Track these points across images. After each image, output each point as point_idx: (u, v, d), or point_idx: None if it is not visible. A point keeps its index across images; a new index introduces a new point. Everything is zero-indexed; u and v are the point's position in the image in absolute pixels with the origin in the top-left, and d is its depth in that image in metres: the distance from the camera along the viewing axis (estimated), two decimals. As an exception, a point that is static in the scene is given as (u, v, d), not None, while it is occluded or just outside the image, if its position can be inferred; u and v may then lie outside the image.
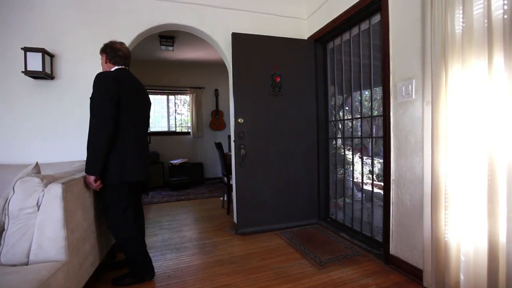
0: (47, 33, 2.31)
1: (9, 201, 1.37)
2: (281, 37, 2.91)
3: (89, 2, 2.42)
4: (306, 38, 3.08)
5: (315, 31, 2.94)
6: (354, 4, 2.32)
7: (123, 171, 1.75)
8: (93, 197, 1.86)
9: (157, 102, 6.03)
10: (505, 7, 1.23)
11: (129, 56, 1.94)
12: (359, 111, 2.68)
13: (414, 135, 1.85)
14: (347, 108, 2.93)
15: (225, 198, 3.76)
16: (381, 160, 2.29)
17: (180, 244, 2.61)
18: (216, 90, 6.22)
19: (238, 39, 2.73)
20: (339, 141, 2.97)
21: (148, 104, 2.05)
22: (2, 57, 2.23)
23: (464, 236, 1.47)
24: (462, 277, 1.48)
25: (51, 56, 2.29)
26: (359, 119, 2.68)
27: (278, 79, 2.88)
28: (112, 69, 1.84)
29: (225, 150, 4.52)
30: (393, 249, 2.05)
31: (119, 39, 1.97)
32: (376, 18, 2.31)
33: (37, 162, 1.61)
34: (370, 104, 2.53)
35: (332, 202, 3.12)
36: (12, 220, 1.36)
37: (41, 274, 1.22)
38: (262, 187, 2.84)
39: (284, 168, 2.93)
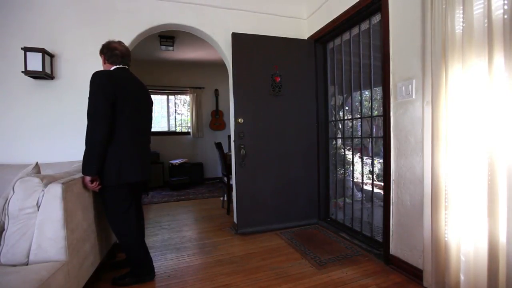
0: (47, 33, 2.31)
1: (9, 201, 1.37)
2: (281, 37, 2.91)
3: (89, 2, 2.42)
4: (306, 38, 3.08)
5: (315, 31, 2.94)
6: (354, 4, 2.32)
7: (121, 171, 1.73)
8: (93, 197, 1.85)
9: (157, 102, 6.02)
10: (505, 7, 1.23)
11: (127, 55, 1.91)
12: (359, 111, 2.68)
13: (414, 135, 1.85)
14: (347, 108, 2.93)
15: (225, 198, 3.76)
16: (381, 160, 2.29)
17: (180, 244, 2.61)
18: (216, 90, 6.22)
19: (238, 39, 2.73)
20: (339, 141, 2.97)
21: (149, 103, 2.02)
22: (2, 57, 2.23)
23: (464, 236, 1.47)
24: (462, 277, 1.48)
25: (51, 56, 2.29)
26: (359, 119, 2.68)
27: (278, 79, 2.88)
28: (111, 69, 1.84)
29: (225, 150, 4.52)
30: (393, 249, 2.04)
31: (118, 39, 1.97)
32: (376, 18, 2.31)
33: (37, 162, 1.61)
34: (370, 104, 2.53)
35: (332, 202, 3.12)
36: (12, 220, 1.36)
37: (41, 274, 1.22)
38: (262, 187, 2.84)
39: (284, 168, 2.92)
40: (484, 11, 1.33)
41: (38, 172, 1.56)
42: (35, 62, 2.15)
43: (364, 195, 2.67)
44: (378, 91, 2.57)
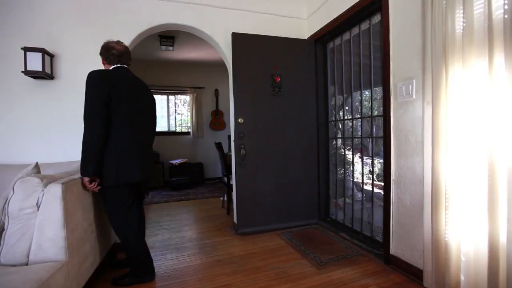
0: (47, 33, 2.31)
1: (9, 201, 1.37)
2: (281, 37, 2.91)
3: (89, 2, 2.41)
4: (306, 38, 3.08)
5: (315, 31, 2.94)
6: (354, 4, 2.32)
7: (119, 172, 1.72)
8: (93, 197, 1.85)
9: (157, 102, 5.88)
10: (506, 6, 1.23)
11: (125, 53, 1.88)
12: (359, 111, 2.68)
13: (415, 135, 1.85)
14: (347, 108, 2.93)
15: (225, 198, 3.76)
16: (381, 160, 2.29)
17: (180, 244, 2.61)
18: (216, 90, 6.22)
19: (238, 39, 2.73)
20: (339, 141, 2.97)
21: (150, 102, 2.00)
22: (2, 57, 2.23)
23: (464, 236, 1.47)
24: (462, 277, 1.48)
25: (51, 56, 2.29)
26: (359, 119, 2.67)
27: (278, 79, 2.88)
28: (109, 69, 1.84)
29: (225, 150, 4.52)
30: (393, 249, 2.04)
31: (118, 39, 1.96)
32: (376, 18, 2.31)
33: (37, 162, 1.61)
34: (370, 104, 2.53)
35: (332, 202, 3.11)
36: (12, 220, 1.36)
37: (41, 274, 1.22)
38: (262, 187, 2.84)
39: (284, 168, 2.92)
40: (485, 11, 1.33)
41: (38, 172, 1.56)
42: (35, 62, 2.15)
43: (364, 195, 2.67)
44: (378, 91, 2.56)
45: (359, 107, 2.68)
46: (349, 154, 3.00)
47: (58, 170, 1.91)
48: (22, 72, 2.16)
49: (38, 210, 1.38)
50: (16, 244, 1.35)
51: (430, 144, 1.63)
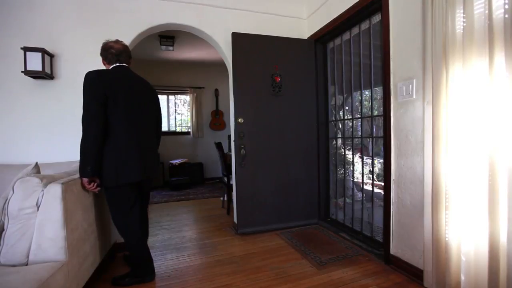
0: (47, 33, 2.31)
1: (8, 201, 1.36)
2: (281, 37, 2.90)
3: (89, 2, 2.41)
4: (306, 38, 3.08)
5: (315, 31, 2.94)
6: (354, 4, 2.32)
7: (118, 172, 1.71)
8: (93, 197, 1.85)
9: None
10: (506, 6, 1.23)
11: (124, 52, 1.87)
12: (359, 111, 2.68)
13: (415, 135, 1.85)
14: (347, 108, 2.93)
15: (225, 198, 3.76)
16: (381, 160, 2.28)
17: (180, 244, 2.60)
18: (216, 90, 6.22)
19: (238, 39, 2.73)
20: (339, 141, 2.97)
21: (151, 101, 1.99)
22: (2, 57, 2.23)
23: (464, 236, 1.47)
24: (463, 277, 1.47)
25: (51, 56, 2.29)
26: (359, 119, 2.67)
27: (278, 79, 2.87)
28: (108, 68, 1.84)
29: (225, 150, 4.52)
30: (394, 249, 2.04)
31: (119, 39, 1.96)
32: (377, 18, 2.31)
33: (36, 162, 1.61)
34: (370, 104, 2.53)
35: (332, 202, 3.11)
36: (11, 220, 1.36)
37: (41, 274, 1.22)
38: (262, 187, 2.84)
39: (284, 168, 2.92)
40: (485, 10, 1.33)
41: (38, 172, 1.56)
42: (35, 62, 2.15)
43: (364, 195, 2.67)
44: (378, 91, 2.56)
45: (359, 107, 2.68)
46: (349, 154, 3.00)
47: (58, 170, 1.91)
48: (22, 72, 2.16)
49: (38, 210, 1.38)
50: (16, 244, 1.35)
51: (431, 144, 1.63)
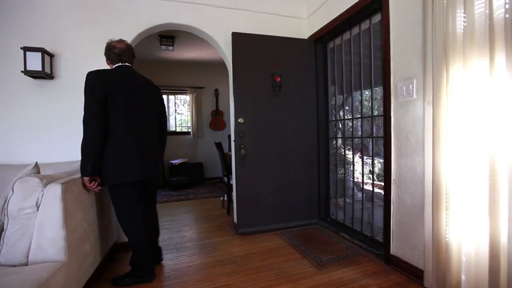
0: (47, 33, 2.30)
1: (8, 201, 1.36)
2: (281, 37, 2.90)
3: (89, 2, 2.41)
4: (306, 38, 3.08)
5: (315, 31, 2.94)
6: (354, 4, 2.32)
7: (117, 172, 1.72)
8: (93, 197, 1.85)
9: None
10: (507, 6, 1.23)
11: (127, 51, 1.87)
12: (360, 110, 2.67)
13: (415, 135, 1.85)
14: (347, 107, 2.92)
15: (225, 198, 3.76)
16: (382, 160, 2.28)
17: (180, 244, 2.60)
18: (216, 90, 6.22)
19: (238, 39, 2.72)
20: (340, 141, 2.97)
21: (154, 101, 1.98)
22: (2, 57, 2.22)
23: (465, 236, 1.47)
24: (463, 277, 1.47)
25: (51, 55, 2.28)
26: (360, 119, 2.67)
27: (278, 79, 2.87)
28: (112, 68, 1.85)
29: (225, 150, 4.52)
30: (394, 249, 2.04)
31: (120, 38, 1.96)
32: (377, 18, 2.31)
33: (36, 162, 1.61)
34: (370, 104, 2.53)
35: (332, 202, 3.11)
36: (11, 220, 1.36)
37: (41, 274, 1.22)
38: (262, 187, 2.84)
39: (285, 168, 2.92)
40: (485, 10, 1.32)
41: (38, 172, 1.56)
42: (34, 62, 2.14)
43: (364, 195, 2.67)
44: (378, 91, 2.56)
45: (359, 107, 2.68)
46: (349, 154, 2.99)
47: (57, 170, 1.91)
48: (21, 72, 2.15)
49: (37, 210, 1.38)
50: (16, 244, 1.34)
51: (431, 144, 1.63)
